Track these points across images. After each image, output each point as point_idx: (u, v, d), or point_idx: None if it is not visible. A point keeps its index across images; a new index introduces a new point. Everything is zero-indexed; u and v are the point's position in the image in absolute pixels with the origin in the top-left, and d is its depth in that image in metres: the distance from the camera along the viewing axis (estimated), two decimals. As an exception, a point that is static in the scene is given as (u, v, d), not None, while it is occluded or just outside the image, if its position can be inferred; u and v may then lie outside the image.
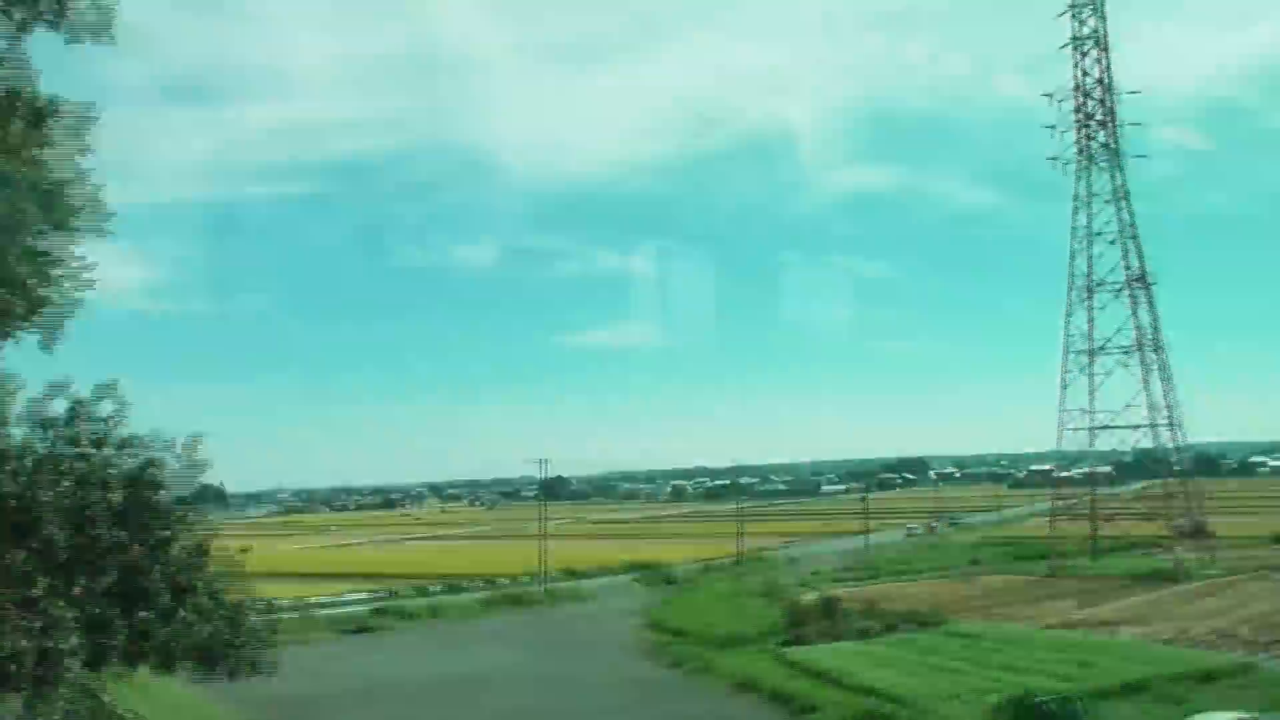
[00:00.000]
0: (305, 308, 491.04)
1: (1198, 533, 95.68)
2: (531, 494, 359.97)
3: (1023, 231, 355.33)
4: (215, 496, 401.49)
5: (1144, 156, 76.89)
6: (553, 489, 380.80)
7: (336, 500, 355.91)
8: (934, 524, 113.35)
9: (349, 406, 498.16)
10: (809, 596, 57.48)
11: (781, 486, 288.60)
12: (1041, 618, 52.21)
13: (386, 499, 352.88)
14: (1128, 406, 71.98)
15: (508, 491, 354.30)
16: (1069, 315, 74.99)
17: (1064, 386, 74.63)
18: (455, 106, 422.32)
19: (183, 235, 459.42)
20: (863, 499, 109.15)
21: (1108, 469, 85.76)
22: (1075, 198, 75.17)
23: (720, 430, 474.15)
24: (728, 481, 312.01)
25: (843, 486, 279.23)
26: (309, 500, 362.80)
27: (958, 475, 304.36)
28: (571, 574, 73.59)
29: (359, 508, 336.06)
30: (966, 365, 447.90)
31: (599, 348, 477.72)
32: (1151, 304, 74.02)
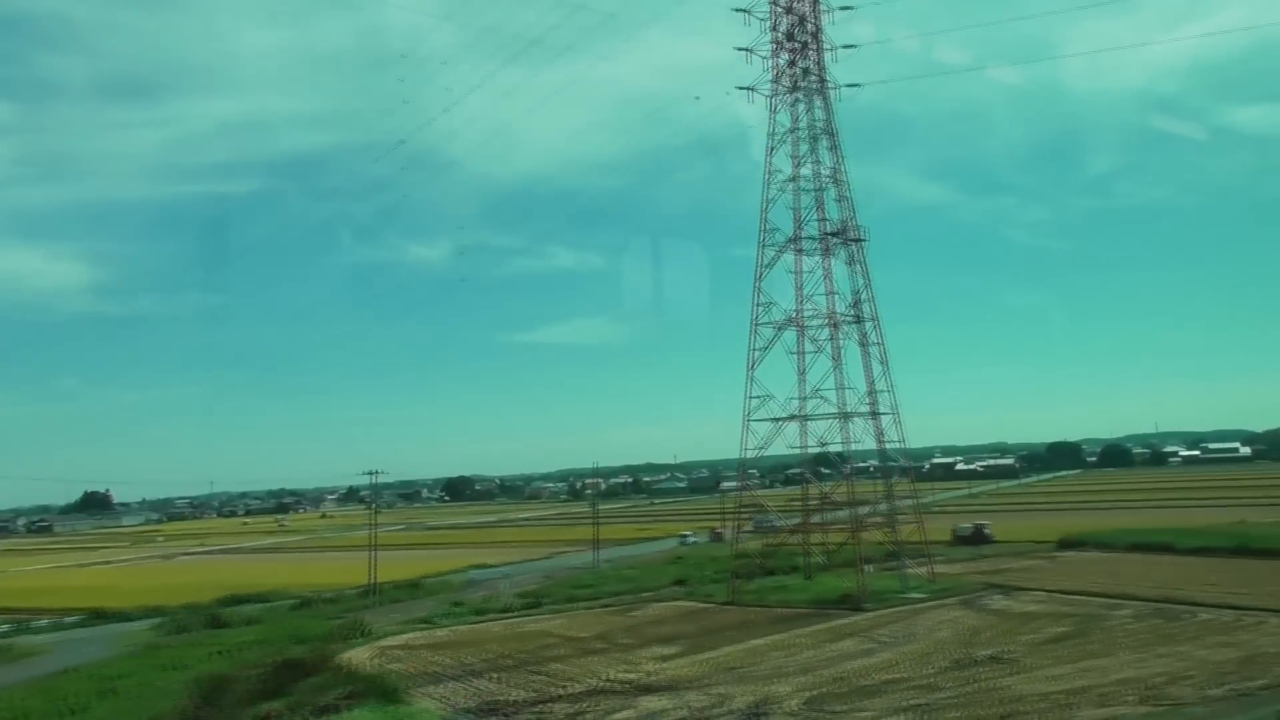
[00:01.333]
0: (251, 307, 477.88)
1: (975, 538, 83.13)
2: (431, 496, 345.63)
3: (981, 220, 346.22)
4: (100, 504, 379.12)
5: (857, 85, 62.81)
6: (456, 489, 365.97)
7: (227, 507, 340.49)
8: (720, 530, 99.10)
9: (292, 408, 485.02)
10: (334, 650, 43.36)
11: (681, 484, 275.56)
12: (602, 672, 38.92)
13: (280, 504, 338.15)
14: (818, 391, 57.99)
15: (408, 493, 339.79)
16: (760, 280, 60.56)
17: (751, 368, 60.41)
18: (406, 102, 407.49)
19: (129, 235, 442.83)
20: (593, 505, 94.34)
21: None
22: (770, 135, 60.90)
23: (668, 426, 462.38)
24: (629, 479, 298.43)
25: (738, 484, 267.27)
26: (199, 506, 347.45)
27: (871, 470, 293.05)
28: (99, 616, 59.08)
29: (249, 513, 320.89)
30: (917, 356, 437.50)
31: (549, 345, 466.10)
32: (862, 265, 60.13)
